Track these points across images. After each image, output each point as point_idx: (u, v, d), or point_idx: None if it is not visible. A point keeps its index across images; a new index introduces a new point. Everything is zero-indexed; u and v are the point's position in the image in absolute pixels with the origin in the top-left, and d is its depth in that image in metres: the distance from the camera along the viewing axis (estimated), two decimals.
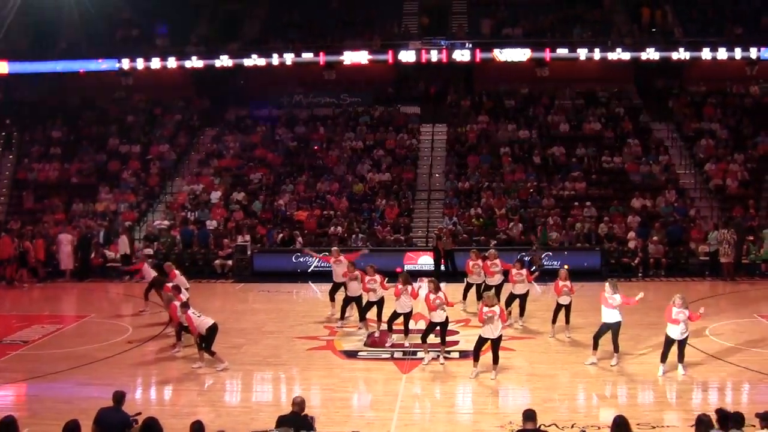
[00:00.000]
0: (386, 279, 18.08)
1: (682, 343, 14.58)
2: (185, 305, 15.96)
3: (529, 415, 9.72)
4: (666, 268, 25.67)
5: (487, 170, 30.79)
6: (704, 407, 12.72)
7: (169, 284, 18.27)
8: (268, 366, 15.97)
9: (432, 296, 15.61)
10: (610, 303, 15.16)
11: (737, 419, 9.36)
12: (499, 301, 19.03)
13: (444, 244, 25.56)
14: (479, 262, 19.83)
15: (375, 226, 27.99)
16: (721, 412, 9.59)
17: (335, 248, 20.33)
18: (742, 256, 25.61)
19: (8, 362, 16.41)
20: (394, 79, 36.54)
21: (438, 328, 15.76)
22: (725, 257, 24.77)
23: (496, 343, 14.69)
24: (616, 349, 15.43)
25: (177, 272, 19.57)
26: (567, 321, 17.42)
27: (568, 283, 17.16)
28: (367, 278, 17.89)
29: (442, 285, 21.82)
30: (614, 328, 15.28)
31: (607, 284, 15.46)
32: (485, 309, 14.61)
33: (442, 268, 25.64)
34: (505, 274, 19.15)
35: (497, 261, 19.42)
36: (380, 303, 17.83)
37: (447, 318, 15.79)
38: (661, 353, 14.74)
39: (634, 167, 30.40)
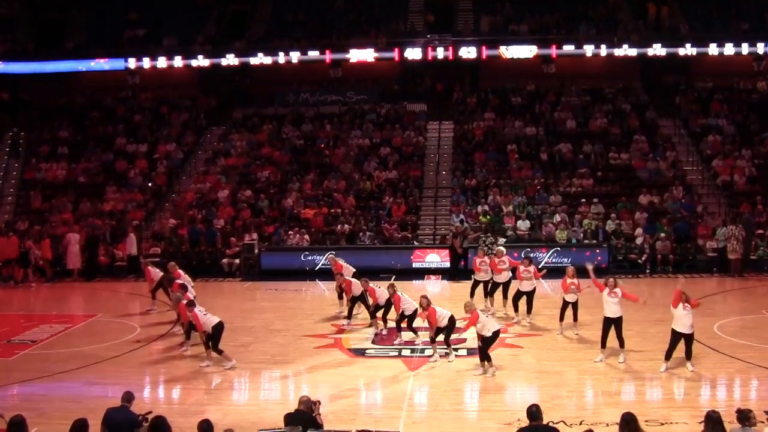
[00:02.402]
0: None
1: (689, 339, 14.51)
2: (191, 303, 15.99)
3: (534, 412, 9.73)
4: (673, 264, 25.61)
5: (493, 167, 30.78)
6: (713, 404, 12.70)
7: (178, 281, 18.34)
8: (276, 364, 15.97)
9: (424, 314, 15.77)
10: (610, 298, 15.19)
11: (747, 416, 9.29)
12: (506, 298, 19.24)
13: (459, 241, 25.45)
14: (486, 259, 19.85)
15: (382, 224, 27.99)
16: (740, 413, 9.45)
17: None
18: (750, 253, 25.52)
19: (17, 362, 16.47)
20: (400, 76, 36.51)
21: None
22: (733, 253, 24.69)
23: (485, 341, 14.73)
24: (621, 344, 15.39)
25: (181, 272, 19.63)
26: (575, 318, 17.38)
27: (575, 280, 17.12)
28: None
29: (455, 284, 22.10)
30: (616, 323, 15.28)
31: (607, 281, 15.48)
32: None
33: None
34: (513, 271, 19.16)
35: (505, 258, 19.41)
36: (387, 305, 17.83)
37: (453, 318, 15.73)
38: (666, 350, 14.68)
39: (641, 164, 30.34)
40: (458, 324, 16.07)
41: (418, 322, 16.92)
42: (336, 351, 16.86)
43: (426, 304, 15.61)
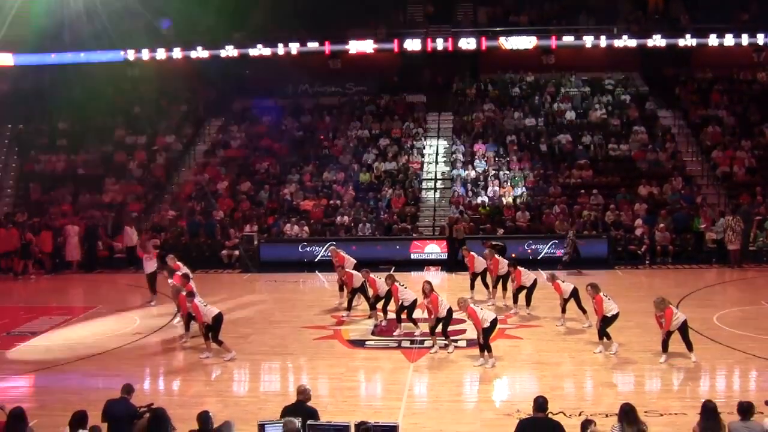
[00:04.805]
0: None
1: (683, 331, 14.53)
2: (191, 294, 15.99)
3: (542, 404, 9.72)
4: (673, 255, 25.60)
5: (493, 158, 30.75)
6: (712, 394, 12.71)
7: (179, 273, 18.34)
8: (276, 356, 15.98)
9: (426, 301, 15.77)
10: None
11: (747, 409, 9.27)
12: (506, 289, 19.27)
13: (457, 232, 25.40)
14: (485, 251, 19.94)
15: (381, 216, 27.98)
16: (741, 405, 9.45)
17: None
18: (749, 244, 25.51)
19: (17, 353, 16.48)
20: (399, 67, 36.44)
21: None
22: (732, 244, 24.68)
23: (485, 332, 14.74)
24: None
25: (180, 264, 19.59)
26: (583, 311, 17.23)
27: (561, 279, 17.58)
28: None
29: (453, 275, 22.13)
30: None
31: None
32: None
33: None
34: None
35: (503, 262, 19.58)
36: (387, 297, 17.82)
37: (451, 310, 15.73)
38: (662, 341, 14.71)
39: (641, 155, 30.30)
40: (459, 316, 16.06)
41: (417, 313, 16.95)
42: (335, 342, 16.86)
43: (429, 290, 15.60)
